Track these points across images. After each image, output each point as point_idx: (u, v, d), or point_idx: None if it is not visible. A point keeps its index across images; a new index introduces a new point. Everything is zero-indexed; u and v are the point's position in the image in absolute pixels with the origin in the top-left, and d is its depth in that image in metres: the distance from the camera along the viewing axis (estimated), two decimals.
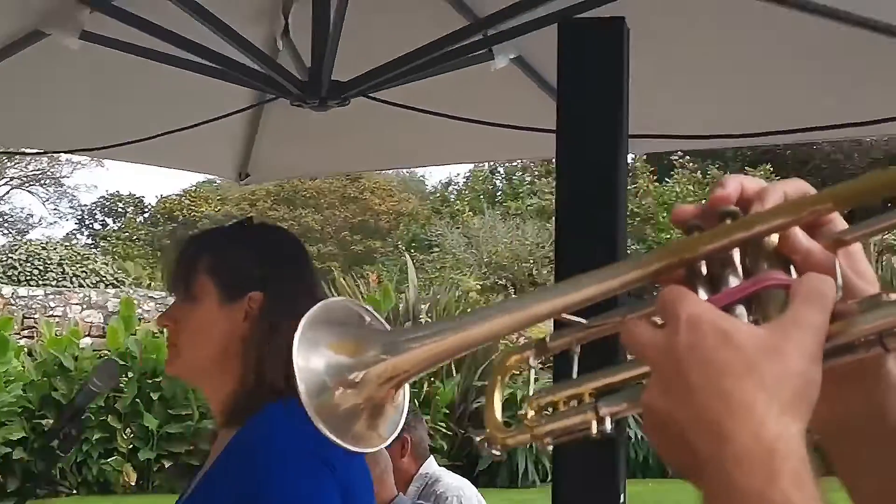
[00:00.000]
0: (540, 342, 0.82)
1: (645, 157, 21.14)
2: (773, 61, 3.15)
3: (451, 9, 2.89)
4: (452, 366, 13.88)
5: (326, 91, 2.45)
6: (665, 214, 22.38)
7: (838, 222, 0.77)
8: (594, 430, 0.76)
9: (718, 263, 0.74)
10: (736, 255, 0.74)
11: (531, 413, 0.80)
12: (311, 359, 0.78)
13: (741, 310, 0.71)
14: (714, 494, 0.68)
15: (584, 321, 0.80)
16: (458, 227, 24.32)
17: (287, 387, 1.69)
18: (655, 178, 24.37)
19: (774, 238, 0.74)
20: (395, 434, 0.82)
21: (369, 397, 0.80)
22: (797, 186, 0.78)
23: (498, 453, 0.81)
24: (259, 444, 1.72)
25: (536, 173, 26.30)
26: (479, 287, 19.31)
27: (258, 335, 1.77)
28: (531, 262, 22.31)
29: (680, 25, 2.93)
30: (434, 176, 31.50)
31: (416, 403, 12.25)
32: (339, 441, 0.76)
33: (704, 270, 0.74)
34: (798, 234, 0.74)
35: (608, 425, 0.76)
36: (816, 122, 3.30)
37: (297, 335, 0.76)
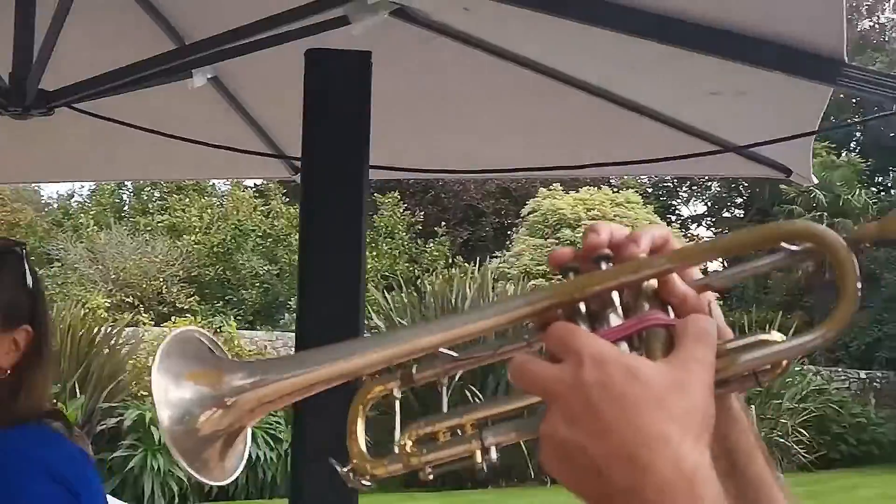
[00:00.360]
0: (406, 373, 0.83)
1: None
2: (482, 105, 3.56)
3: (159, 31, 3.00)
4: (77, 386, 13.28)
5: (32, 100, 2.43)
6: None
7: (695, 271, 0.84)
8: (479, 458, 0.78)
9: (599, 303, 0.78)
10: (615, 295, 0.78)
11: (409, 443, 0.80)
12: (170, 389, 0.78)
13: (624, 346, 0.74)
14: None
15: (453, 353, 0.81)
16: (81, 242, 23.17)
17: (46, 410, 1.88)
18: None
19: (653, 282, 0.79)
20: (241, 467, 0.84)
21: (230, 425, 0.81)
22: (662, 233, 0.83)
23: (368, 484, 0.81)
24: (13, 455, 1.80)
25: (167, 189, 25.71)
26: (107, 304, 18.54)
27: (27, 364, 1.86)
28: (161, 279, 21.78)
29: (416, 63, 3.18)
30: (50, 186, 29.74)
31: None
32: (191, 470, 0.78)
33: (583, 309, 0.77)
34: (676, 279, 0.80)
35: (493, 454, 0.78)
36: (512, 163, 3.80)
37: (154, 366, 0.78)
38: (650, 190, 31.23)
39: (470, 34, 2.98)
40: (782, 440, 19.50)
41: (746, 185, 30.92)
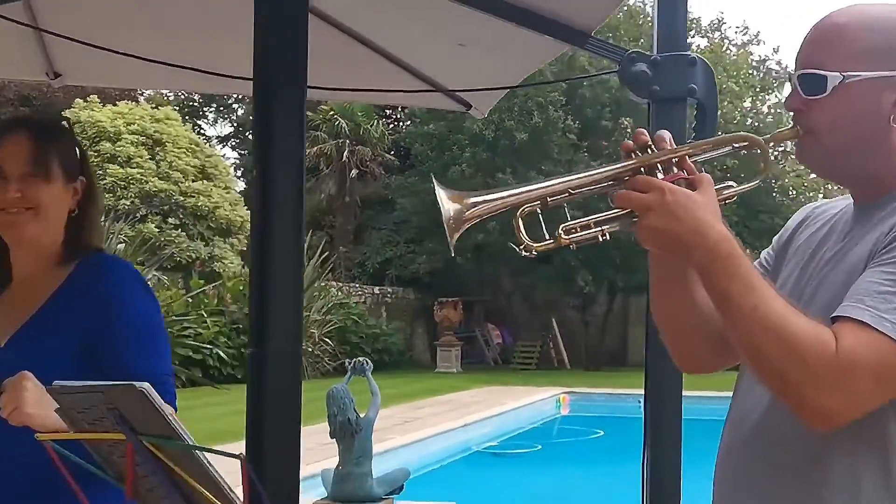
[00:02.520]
0: (542, 200, 1.49)
1: None
2: None
3: None
4: None
5: None
6: None
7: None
8: (599, 239, 1.50)
9: (652, 168, 1.51)
10: (660, 165, 1.51)
11: (561, 232, 1.49)
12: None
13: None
14: (704, 261, 1.41)
15: (571, 191, 1.51)
16: None
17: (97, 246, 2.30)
18: None
19: (675, 159, 1.51)
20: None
21: (468, 220, 1.47)
22: (670, 134, 1.53)
23: (528, 254, 1.48)
24: (107, 270, 2.22)
25: None
26: None
27: (86, 205, 2.29)
28: None
29: None
30: None
31: None
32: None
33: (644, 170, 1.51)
34: (687, 158, 1.52)
35: (607, 237, 1.49)
36: None
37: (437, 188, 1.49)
38: (176, 108, 31.24)
39: None
40: (311, 349, 21.16)
41: None
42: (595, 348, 26.23)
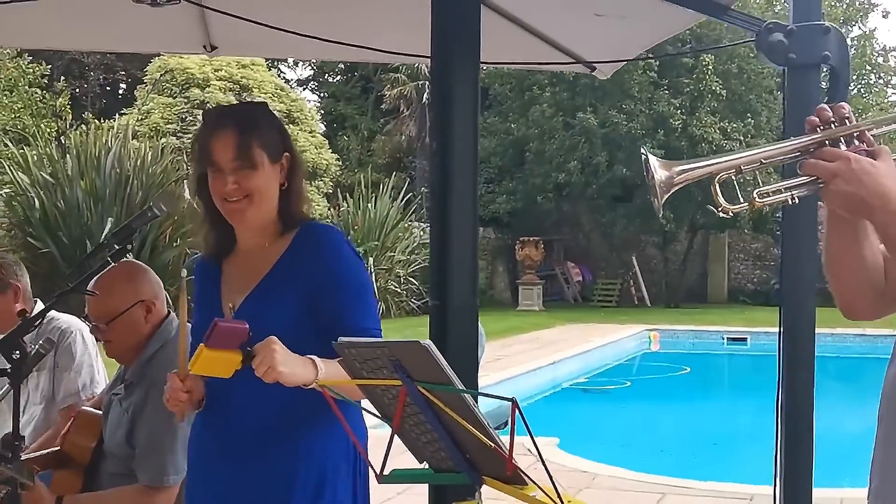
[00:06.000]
0: (737, 168, 1.72)
1: None
2: None
3: None
4: None
5: None
6: None
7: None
8: (789, 202, 1.74)
9: (836, 141, 1.73)
10: (844, 138, 1.73)
11: (755, 196, 1.73)
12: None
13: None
14: (885, 220, 1.64)
15: (762, 161, 1.74)
16: None
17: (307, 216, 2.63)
18: None
19: (856, 133, 1.73)
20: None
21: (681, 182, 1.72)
22: (850, 108, 1.73)
23: (725, 215, 1.75)
24: (325, 238, 2.55)
25: None
26: None
27: (292, 178, 2.59)
28: None
29: None
30: None
31: None
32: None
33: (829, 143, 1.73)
34: (867, 132, 1.74)
35: (797, 200, 1.74)
36: None
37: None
38: None
39: None
40: (396, 288, 21.69)
41: None
42: (675, 286, 26.35)
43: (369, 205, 22.52)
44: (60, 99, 22.70)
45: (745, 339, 18.88)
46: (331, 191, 24.89)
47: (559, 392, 14.29)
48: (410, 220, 23.41)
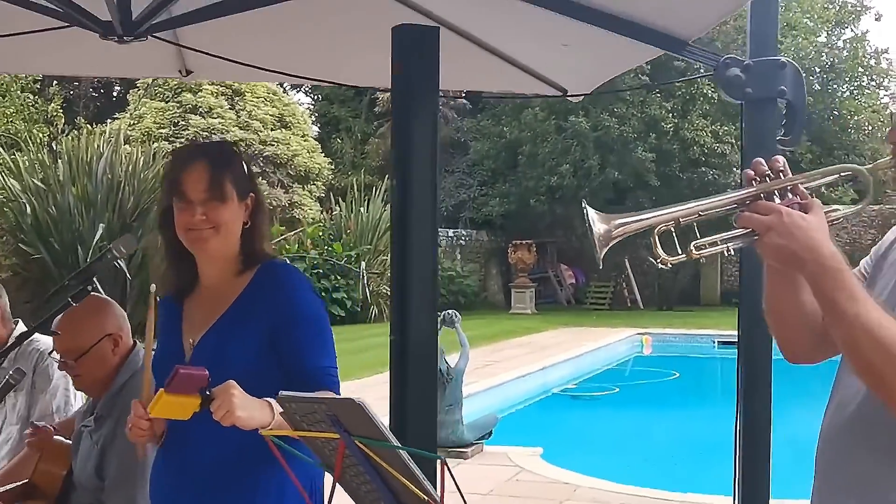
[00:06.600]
0: (676, 221, 1.77)
1: None
2: None
3: None
4: None
5: None
6: None
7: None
8: (726, 252, 1.77)
9: (768, 195, 1.76)
10: (777, 191, 1.76)
11: (692, 248, 1.77)
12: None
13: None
14: (815, 273, 1.66)
15: (700, 213, 1.78)
16: None
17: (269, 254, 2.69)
18: None
19: (789, 185, 1.76)
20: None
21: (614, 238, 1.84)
22: (785, 162, 1.78)
23: (664, 266, 1.77)
24: (284, 277, 2.61)
25: None
26: None
27: (256, 218, 2.66)
28: None
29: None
30: None
31: None
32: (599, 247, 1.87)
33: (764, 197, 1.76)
34: (800, 185, 1.77)
35: (733, 251, 1.77)
36: None
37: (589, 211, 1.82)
38: None
39: None
40: (388, 293, 21.70)
41: None
42: (668, 288, 26.43)
43: (362, 208, 22.59)
44: (52, 104, 22.72)
45: (735, 343, 18.87)
46: (323, 195, 24.95)
47: (547, 398, 14.34)
48: None
